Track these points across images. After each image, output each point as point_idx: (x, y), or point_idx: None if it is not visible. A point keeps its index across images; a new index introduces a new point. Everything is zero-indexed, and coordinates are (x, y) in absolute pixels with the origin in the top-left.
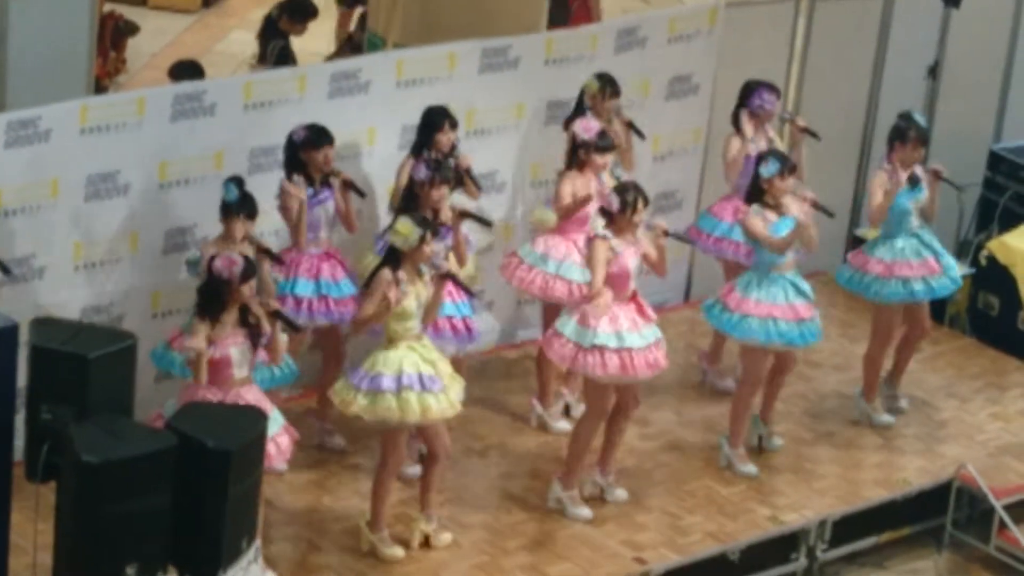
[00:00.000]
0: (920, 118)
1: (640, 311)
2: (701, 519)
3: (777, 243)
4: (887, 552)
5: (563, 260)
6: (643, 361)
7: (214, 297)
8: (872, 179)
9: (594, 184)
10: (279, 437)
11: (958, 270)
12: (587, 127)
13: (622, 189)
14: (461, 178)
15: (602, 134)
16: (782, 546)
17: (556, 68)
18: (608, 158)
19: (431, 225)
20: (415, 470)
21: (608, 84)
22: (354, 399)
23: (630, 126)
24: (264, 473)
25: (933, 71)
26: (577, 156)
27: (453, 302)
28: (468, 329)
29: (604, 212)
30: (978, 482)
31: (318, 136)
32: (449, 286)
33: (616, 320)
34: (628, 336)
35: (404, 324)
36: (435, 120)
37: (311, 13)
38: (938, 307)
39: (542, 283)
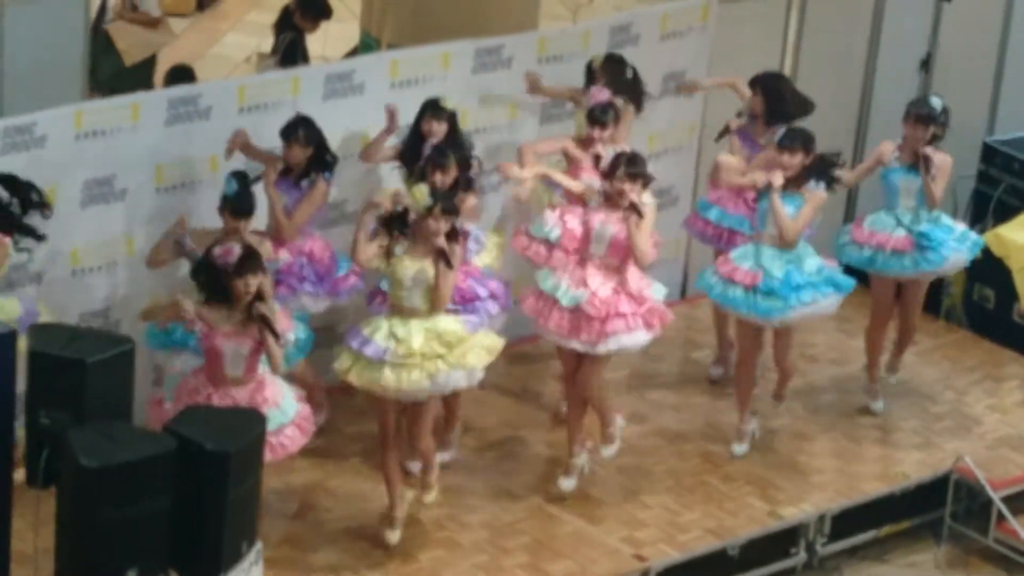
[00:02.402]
0: (934, 100)
1: (581, 278)
2: (700, 515)
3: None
4: (886, 545)
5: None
6: (554, 319)
7: (209, 279)
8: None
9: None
10: (287, 428)
11: (946, 260)
12: (594, 95)
13: (618, 155)
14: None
15: (603, 107)
16: (782, 541)
17: (550, 67)
18: (596, 131)
19: (447, 203)
20: (415, 464)
21: (616, 63)
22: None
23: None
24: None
25: (925, 64)
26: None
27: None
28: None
29: (602, 173)
30: (976, 474)
31: (284, 129)
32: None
33: (563, 272)
34: (558, 287)
35: (396, 292)
36: (422, 109)
37: (324, 12)
38: (934, 300)
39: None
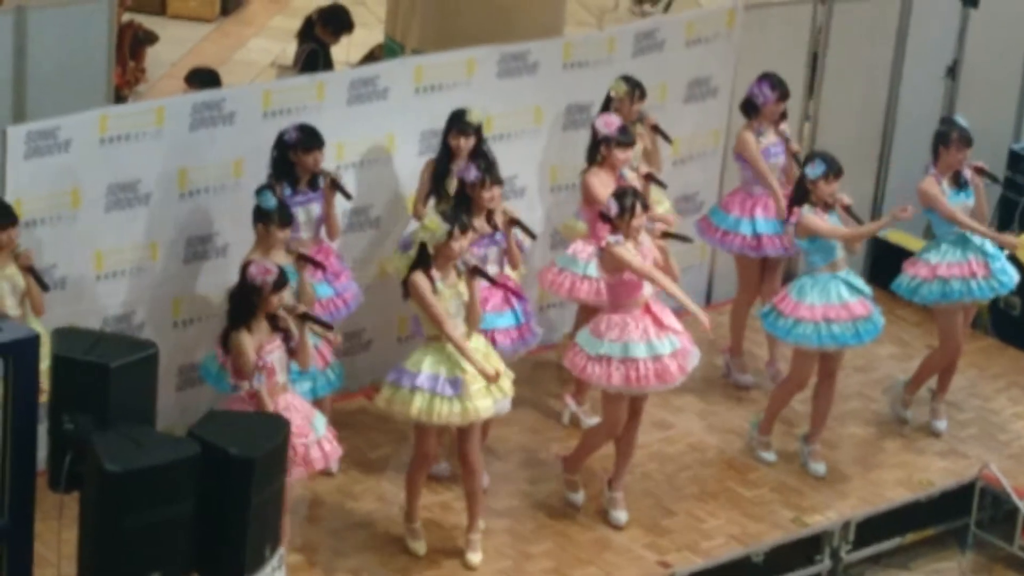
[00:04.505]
0: (961, 120)
1: (656, 322)
2: (724, 522)
3: (843, 234)
4: (911, 553)
5: (590, 260)
6: (652, 372)
7: (245, 303)
8: (924, 187)
9: (617, 181)
10: (323, 442)
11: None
12: (608, 122)
13: (620, 194)
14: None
15: (623, 129)
16: (806, 548)
17: (574, 72)
18: (629, 153)
19: (461, 220)
20: (441, 468)
21: (636, 87)
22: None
23: (656, 129)
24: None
25: (952, 71)
26: (599, 151)
27: (499, 312)
28: (521, 336)
29: (603, 217)
30: (1001, 482)
31: (309, 138)
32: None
33: (625, 330)
34: (634, 347)
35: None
36: (449, 123)
37: (345, 26)
38: None
39: (569, 285)
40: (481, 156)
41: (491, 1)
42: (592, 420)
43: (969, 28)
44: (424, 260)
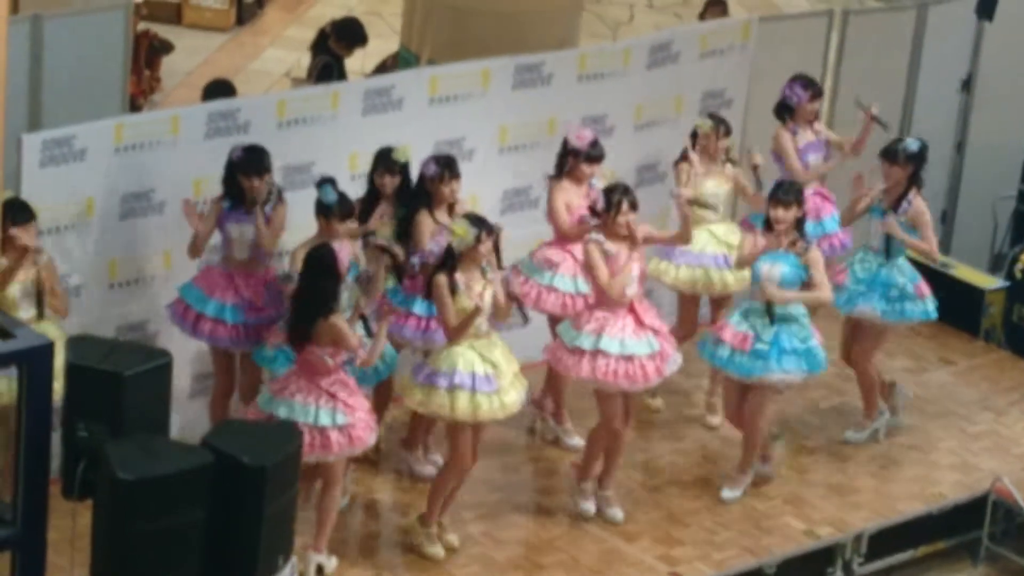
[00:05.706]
0: (910, 142)
1: (637, 321)
2: (737, 534)
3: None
4: (923, 566)
5: (556, 271)
6: (621, 371)
7: (334, 288)
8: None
9: (585, 192)
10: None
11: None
12: (581, 135)
13: (610, 190)
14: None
15: (594, 143)
16: (818, 560)
17: (589, 84)
18: (595, 168)
19: (486, 224)
20: (429, 470)
21: (720, 123)
22: (412, 393)
23: (756, 170)
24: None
25: (966, 84)
26: (566, 162)
27: None
28: None
29: (592, 211)
30: (1014, 495)
31: (249, 163)
32: None
33: (604, 325)
34: (607, 342)
35: None
36: (375, 161)
37: (359, 39)
38: (973, 320)
39: (535, 295)
40: (405, 192)
41: (506, 13)
42: (574, 439)
43: (984, 41)
44: (450, 262)
